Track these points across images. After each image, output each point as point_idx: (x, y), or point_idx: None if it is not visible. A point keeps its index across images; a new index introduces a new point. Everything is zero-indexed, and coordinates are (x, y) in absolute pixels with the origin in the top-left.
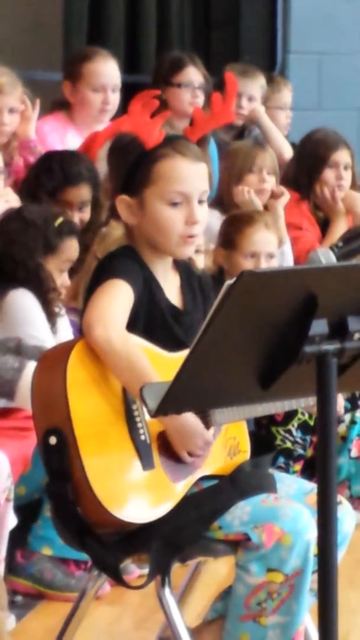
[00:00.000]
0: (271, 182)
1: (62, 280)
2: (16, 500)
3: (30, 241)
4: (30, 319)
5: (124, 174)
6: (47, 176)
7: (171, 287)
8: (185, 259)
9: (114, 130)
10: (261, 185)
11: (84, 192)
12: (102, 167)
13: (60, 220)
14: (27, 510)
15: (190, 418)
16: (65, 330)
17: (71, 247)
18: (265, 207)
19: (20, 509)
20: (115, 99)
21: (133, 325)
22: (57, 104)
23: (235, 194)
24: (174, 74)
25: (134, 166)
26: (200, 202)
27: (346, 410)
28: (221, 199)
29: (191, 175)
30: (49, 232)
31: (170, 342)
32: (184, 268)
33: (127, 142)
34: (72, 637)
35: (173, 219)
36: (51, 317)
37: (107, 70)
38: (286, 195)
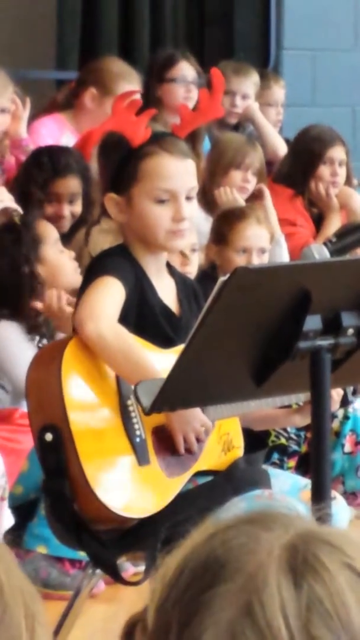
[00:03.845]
0: (253, 184)
1: (68, 255)
2: (13, 500)
3: (15, 253)
4: (14, 356)
5: (112, 172)
6: (37, 170)
7: (166, 290)
8: (176, 252)
9: (106, 130)
10: (243, 184)
11: (73, 184)
12: (96, 165)
13: (16, 218)
14: (22, 510)
15: None
16: None
17: (46, 229)
18: None
19: (16, 509)
20: None
21: (124, 323)
22: (57, 104)
23: (217, 195)
24: (166, 70)
25: (121, 164)
26: (188, 198)
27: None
28: (204, 190)
29: (178, 172)
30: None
31: (160, 341)
32: (179, 276)
33: (115, 140)
34: (68, 634)
35: (160, 215)
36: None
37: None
38: (267, 196)
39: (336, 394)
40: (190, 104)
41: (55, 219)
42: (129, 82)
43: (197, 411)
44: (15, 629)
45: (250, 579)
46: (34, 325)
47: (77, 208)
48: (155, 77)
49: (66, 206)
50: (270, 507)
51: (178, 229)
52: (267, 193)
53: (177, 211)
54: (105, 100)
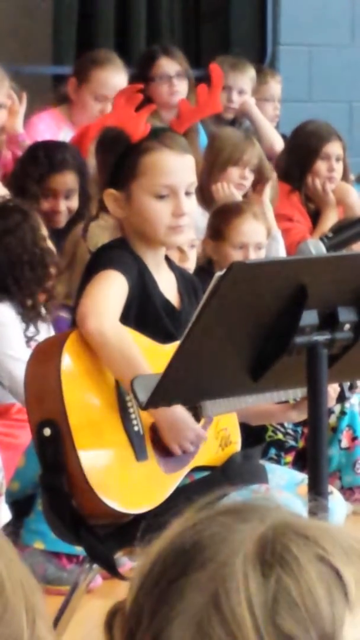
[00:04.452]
0: (250, 180)
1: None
2: (10, 495)
3: (27, 230)
4: (7, 337)
5: (111, 167)
6: (33, 165)
7: (167, 284)
8: (175, 247)
9: (104, 124)
10: (241, 181)
11: (69, 179)
12: (94, 161)
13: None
14: (20, 505)
15: (181, 411)
16: (45, 335)
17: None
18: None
19: (13, 505)
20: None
21: (125, 316)
22: (56, 99)
23: (214, 191)
24: (148, 68)
25: (120, 160)
26: (187, 193)
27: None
28: (201, 186)
29: (177, 167)
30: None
31: (161, 335)
32: (178, 271)
33: (114, 135)
34: (64, 630)
35: (160, 211)
36: (32, 321)
37: (114, 82)
38: (267, 190)
39: (332, 390)
40: (177, 98)
41: (51, 215)
42: (105, 70)
43: (188, 420)
44: (17, 625)
45: (219, 568)
46: (32, 306)
47: (74, 203)
48: (141, 76)
49: (62, 201)
50: (250, 499)
51: (178, 224)
52: (266, 188)
53: (176, 206)
54: (83, 88)
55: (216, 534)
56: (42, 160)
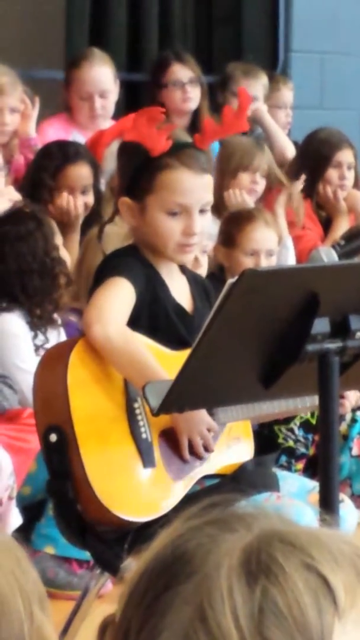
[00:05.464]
0: (262, 185)
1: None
2: (21, 500)
3: (40, 239)
4: (18, 349)
5: (129, 177)
6: (48, 159)
7: (179, 289)
8: (182, 264)
9: (118, 130)
10: (252, 186)
11: (84, 172)
12: (108, 165)
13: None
14: (31, 510)
15: None
16: (55, 341)
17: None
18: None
19: (24, 509)
20: (105, 103)
21: (136, 324)
22: (64, 104)
23: (226, 197)
24: (161, 75)
25: (138, 172)
26: (202, 211)
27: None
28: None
29: (194, 187)
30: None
31: (174, 341)
32: (190, 274)
33: (136, 144)
34: (75, 635)
35: (171, 228)
36: (41, 329)
37: (93, 77)
38: (281, 198)
39: (353, 395)
40: (191, 105)
41: (66, 211)
42: (81, 68)
43: (203, 414)
44: (17, 621)
45: (205, 580)
46: (40, 315)
47: (90, 199)
48: (154, 83)
49: (80, 197)
50: (238, 507)
51: (187, 242)
52: (280, 196)
53: (188, 226)
54: (70, 92)
55: (202, 545)
56: (56, 154)
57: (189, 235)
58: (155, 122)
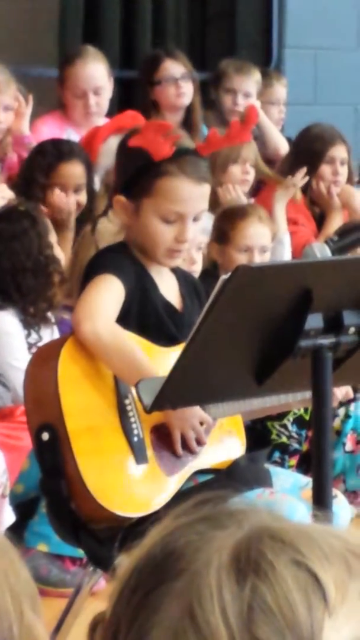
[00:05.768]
0: (252, 174)
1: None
2: (14, 498)
3: (34, 237)
4: (12, 347)
5: (127, 177)
6: (41, 156)
7: (168, 286)
8: (170, 267)
9: (115, 126)
10: (244, 177)
11: (77, 170)
12: (103, 161)
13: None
14: (24, 507)
15: None
16: (49, 339)
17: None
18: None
19: (17, 507)
20: (99, 100)
21: (126, 321)
22: (59, 102)
23: (220, 193)
24: (153, 72)
25: (137, 173)
26: (195, 219)
27: (340, 404)
28: None
29: (192, 197)
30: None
31: (163, 339)
32: (180, 272)
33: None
34: (68, 632)
35: (163, 234)
36: (34, 327)
37: (86, 74)
38: (283, 192)
39: (338, 390)
40: (185, 100)
41: (59, 208)
42: (74, 66)
43: (196, 408)
44: (5, 622)
45: (194, 578)
46: (33, 314)
47: (83, 198)
48: (146, 81)
49: (72, 195)
50: (229, 504)
51: (177, 249)
52: (278, 192)
53: (180, 233)
54: (64, 89)
55: (191, 543)
56: (50, 151)
57: (180, 242)
58: (162, 132)
